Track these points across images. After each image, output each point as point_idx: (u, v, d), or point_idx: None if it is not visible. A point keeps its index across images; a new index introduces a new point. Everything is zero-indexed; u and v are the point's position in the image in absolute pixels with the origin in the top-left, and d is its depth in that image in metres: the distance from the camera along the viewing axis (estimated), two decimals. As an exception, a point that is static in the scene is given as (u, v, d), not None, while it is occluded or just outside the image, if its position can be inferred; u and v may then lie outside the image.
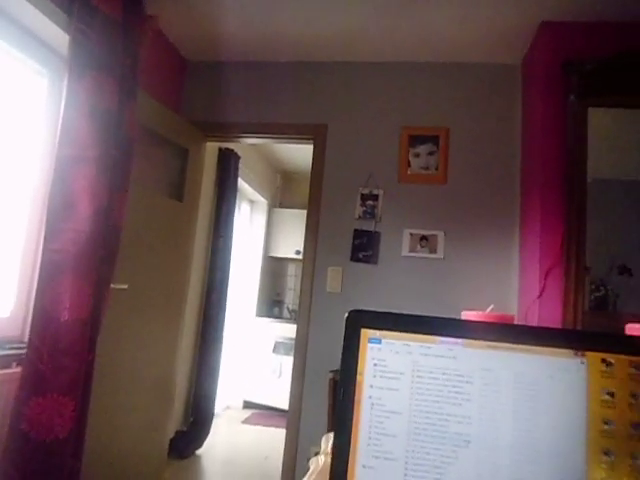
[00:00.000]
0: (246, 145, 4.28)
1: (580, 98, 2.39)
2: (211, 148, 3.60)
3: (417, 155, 2.95)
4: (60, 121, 1.88)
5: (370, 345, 0.58)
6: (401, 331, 0.58)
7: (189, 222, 3.12)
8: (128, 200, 2.19)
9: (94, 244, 1.92)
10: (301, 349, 2.93)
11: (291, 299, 5.74)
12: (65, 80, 1.91)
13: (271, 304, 5.65)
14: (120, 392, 2.45)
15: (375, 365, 0.58)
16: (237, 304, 4.93)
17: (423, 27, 2.68)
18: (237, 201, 4.31)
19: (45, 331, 1.78)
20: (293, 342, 3.07)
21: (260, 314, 5.31)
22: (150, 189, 2.71)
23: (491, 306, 1.07)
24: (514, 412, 0.55)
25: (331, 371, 2.59)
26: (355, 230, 2.94)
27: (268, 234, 5.54)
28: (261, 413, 4.81)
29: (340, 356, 0.59)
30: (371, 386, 0.57)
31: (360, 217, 2.96)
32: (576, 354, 0.55)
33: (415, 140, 2.96)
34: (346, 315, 0.59)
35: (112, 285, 2.15)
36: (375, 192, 2.96)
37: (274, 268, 5.77)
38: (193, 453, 3.53)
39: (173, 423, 3.33)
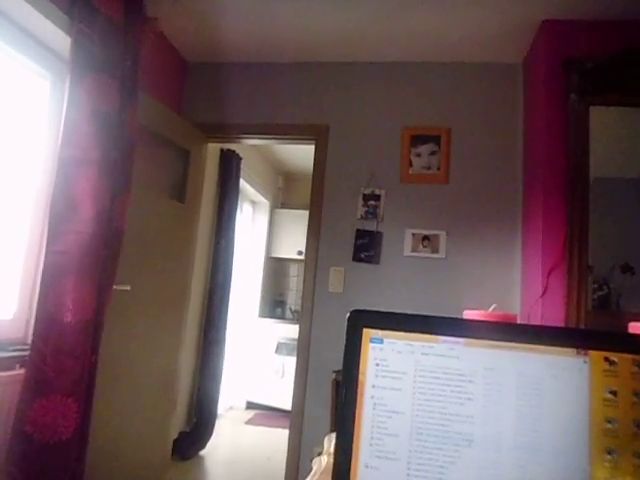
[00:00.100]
0: (248, 146, 4.28)
1: (581, 96, 2.38)
2: (213, 149, 3.61)
3: (419, 155, 2.95)
4: (62, 123, 1.89)
5: (372, 345, 0.58)
6: (403, 331, 0.58)
7: (191, 223, 3.13)
8: (130, 201, 2.20)
9: (97, 245, 1.93)
10: (304, 350, 2.93)
11: (293, 300, 5.74)
12: (67, 82, 1.91)
13: (273, 305, 5.65)
14: (123, 393, 2.45)
15: (377, 365, 0.58)
16: (239, 305, 4.93)
17: (424, 27, 2.68)
18: (239, 202, 4.32)
19: (48, 333, 1.79)
20: (296, 343, 3.07)
21: (262, 315, 5.31)
22: (152, 190, 2.71)
23: (493, 305, 1.07)
24: (517, 411, 0.55)
25: (334, 371, 2.60)
26: (357, 230, 2.94)
27: (270, 235, 5.55)
28: (264, 414, 4.81)
29: (343, 356, 0.59)
30: (373, 386, 0.57)
31: (362, 217, 2.96)
32: (579, 353, 0.55)
33: (417, 140, 2.96)
34: (348, 315, 0.59)
35: (114, 286, 2.15)
36: (377, 192, 2.96)
37: (276, 269, 5.78)
38: (196, 454, 3.53)
39: (176, 424, 3.33)
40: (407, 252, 2.87)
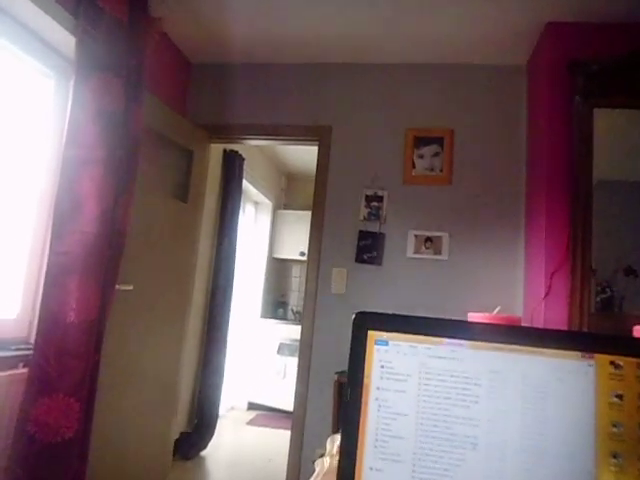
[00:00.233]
0: (251, 147, 4.28)
1: (586, 99, 2.38)
2: (216, 150, 3.61)
3: (422, 156, 2.95)
4: (67, 122, 1.89)
5: (377, 347, 0.58)
6: (408, 333, 0.58)
7: (194, 223, 3.13)
8: (134, 201, 2.20)
9: (100, 245, 1.93)
10: (306, 350, 2.93)
11: (295, 300, 5.74)
12: (71, 81, 1.92)
13: (275, 305, 5.66)
14: (125, 393, 2.45)
15: (382, 367, 0.57)
16: (241, 305, 4.94)
17: (428, 28, 2.68)
18: (242, 202, 4.32)
19: (51, 332, 1.79)
20: (297, 343, 3.07)
21: (264, 315, 5.31)
22: (155, 190, 2.72)
23: (498, 308, 1.06)
24: (522, 414, 0.55)
25: (336, 373, 2.60)
26: (360, 231, 2.94)
27: (272, 235, 5.55)
28: (266, 414, 4.81)
29: (345, 357, 0.59)
30: (378, 388, 0.57)
31: (365, 218, 2.96)
32: (584, 356, 0.55)
33: (420, 141, 2.96)
34: (353, 317, 0.59)
35: (117, 286, 2.15)
36: (380, 193, 2.96)
37: (278, 269, 5.78)
38: (197, 454, 3.53)
39: (177, 424, 3.33)
40: (410, 253, 2.87)
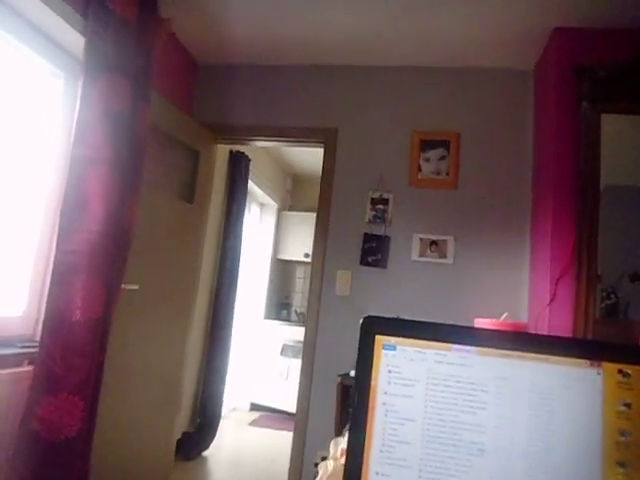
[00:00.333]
0: (257, 148, 4.29)
1: (593, 104, 2.37)
2: (222, 150, 3.62)
3: (428, 160, 2.95)
4: (75, 122, 1.90)
5: (385, 352, 0.58)
6: (416, 338, 0.58)
7: (199, 224, 3.14)
8: (140, 201, 2.21)
9: (107, 245, 1.94)
10: (309, 352, 2.93)
11: (299, 302, 5.74)
12: (80, 81, 1.93)
13: (279, 307, 5.66)
14: (129, 392, 2.46)
15: (389, 372, 0.58)
16: (245, 306, 4.94)
17: (435, 31, 2.68)
18: (247, 203, 4.33)
19: (57, 330, 1.80)
20: (301, 345, 3.07)
21: (268, 316, 5.32)
22: (161, 190, 2.73)
23: (505, 314, 1.06)
24: (529, 421, 0.55)
25: (339, 375, 2.59)
26: (365, 234, 2.94)
27: (277, 237, 5.56)
28: (268, 415, 4.81)
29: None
30: (385, 393, 0.57)
31: (370, 221, 2.96)
32: (592, 364, 0.55)
33: (426, 145, 2.96)
34: (361, 321, 0.60)
35: (123, 285, 2.16)
36: (385, 196, 2.96)
37: (283, 271, 5.78)
38: (199, 455, 3.54)
39: (180, 424, 3.33)
40: (415, 257, 2.87)
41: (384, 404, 0.57)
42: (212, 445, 3.67)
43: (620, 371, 0.54)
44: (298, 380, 2.96)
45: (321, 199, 3.07)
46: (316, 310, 2.95)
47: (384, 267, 2.90)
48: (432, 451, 0.55)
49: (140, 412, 2.58)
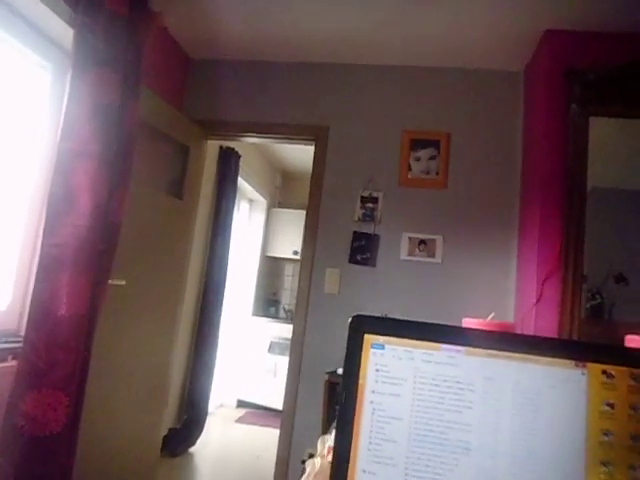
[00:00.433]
0: (247, 144, 4.28)
1: (582, 107, 2.40)
2: (212, 146, 3.60)
3: (418, 159, 2.96)
4: (62, 115, 1.88)
5: (373, 350, 0.58)
6: (404, 337, 0.58)
7: (188, 220, 3.12)
8: (128, 196, 2.19)
9: (93, 239, 1.92)
10: (297, 350, 2.93)
11: (288, 299, 5.74)
12: (68, 74, 1.90)
13: (267, 304, 5.65)
14: (114, 388, 2.44)
15: (377, 370, 0.58)
16: (233, 303, 4.93)
17: (426, 31, 2.69)
18: (236, 200, 4.31)
19: (42, 325, 1.78)
20: (289, 342, 3.07)
21: (256, 313, 5.31)
22: (150, 186, 2.71)
23: (492, 314, 1.07)
24: (514, 421, 0.55)
25: (327, 372, 2.60)
26: (354, 232, 2.95)
27: (266, 234, 5.55)
28: (255, 412, 4.81)
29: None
30: (373, 391, 0.57)
31: (359, 219, 2.96)
32: (577, 365, 0.56)
33: (416, 144, 2.97)
34: (349, 320, 0.60)
35: (110, 281, 2.14)
36: (375, 195, 2.96)
37: (271, 268, 5.78)
38: (186, 451, 3.53)
39: (166, 420, 3.32)
40: (403, 256, 2.88)
41: (371, 402, 0.57)
42: (198, 441, 3.66)
43: (604, 372, 0.55)
44: (285, 377, 2.96)
45: (311, 197, 3.06)
46: (304, 308, 2.95)
47: (373, 266, 2.91)
48: (418, 449, 0.55)
49: (126, 408, 2.56)
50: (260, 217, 5.49)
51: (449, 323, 0.63)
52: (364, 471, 0.55)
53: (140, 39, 2.19)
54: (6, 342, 1.90)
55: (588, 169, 2.38)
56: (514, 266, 2.77)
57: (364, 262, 2.91)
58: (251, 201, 5.43)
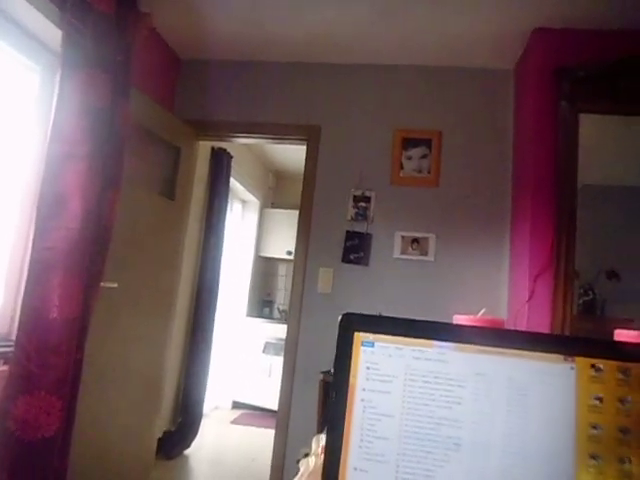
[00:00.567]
0: (239, 145, 4.27)
1: (572, 104, 2.41)
2: (203, 147, 3.59)
3: (410, 158, 2.97)
4: (52, 117, 1.87)
5: (363, 348, 0.58)
6: (394, 335, 0.58)
7: (180, 221, 3.11)
8: (119, 198, 2.18)
9: (85, 242, 1.91)
10: (291, 350, 2.93)
11: (282, 299, 5.73)
12: (57, 76, 1.89)
13: (261, 304, 5.64)
14: (108, 391, 2.43)
15: (368, 368, 0.58)
16: (227, 304, 4.91)
17: (417, 31, 2.69)
18: (229, 200, 4.30)
19: (33, 329, 1.77)
20: (283, 342, 3.07)
21: (250, 314, 5.30)
22: (142, 187, 2.69)
23: (482, 310, 1.08)
24: (504, 416, 0.55)
25: (322, 372, 2.60)
26: (347, 231, 2.95)
27: (259, 234, 5.54)
28: (250, 413, 4.80)
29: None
30: (363, 389, 0.57)
31: (352, 219, 2.96)
32: (566, 359, 0.56)
33: (408, 143, 2.98)
34: (340, 318, 0.60)
35: (102, 283, 2.13)
36: (367, 194, 2.97)
37: (265, 268, 5.77)
38: (181, 453, 3.51)
39: (161, 423, 3.31)
40: (396, 254, 2.89)
41: (362, 400, 0.57)
42: (193, 444, 3.65)
43: (593, 366, 0.55)
44: (280, 377, 2.96)
45: (303, 196, 3.06)
46: (298, 308, 2.95)
47: (366, 265, 2.91)
48: (409, 446, 0.55)
49: (120, 411, 2.54)
50: (253, 217, 5.48)
51: (442, 321, 0.64)
52: (355, 469, 0.55)
53: (129, 39, 2.19)
54: (-3, 346, 1.88)
55: (578, 166, 2.40)
56: (506, 263, 2.78)
57: (357, 261, 2.91)
58: (244, 202, 5.42)
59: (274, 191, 5.90)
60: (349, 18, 2.63)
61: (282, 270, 5.81)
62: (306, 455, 1.22)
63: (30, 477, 1.74)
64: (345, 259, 2.93)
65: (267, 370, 4.89)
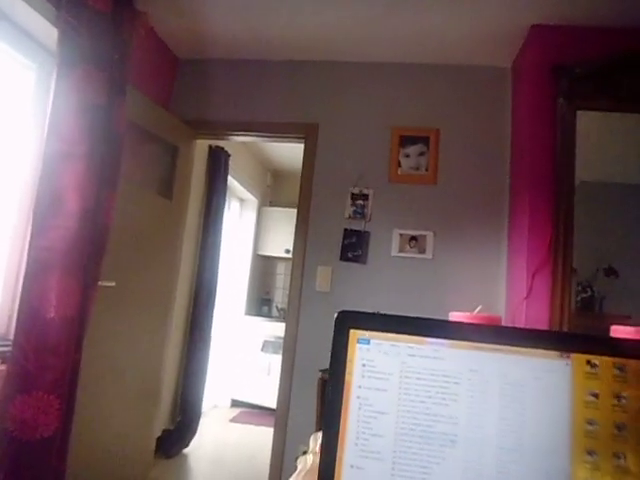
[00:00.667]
0: (236, 143, 4.26)
1: (569, 101, 2.41)
2: (201, 146, 3.59)
3: (407, 155, 2.96)
4: (48, 116, 1.86)
5: (359, 346, 0.58)
6: (390, 332, 0.58)
7: (178, 220, 3.11)
8: (117, 197, 2.18)
9: (82, 241, 1.91)
10: (290, 348, 2.93)
11: (280, 298, 5.73)
12: (53, 74, 1.88)
13: (260, 303, 5.64)
14: (106, 391, 2.43)
15: (363, 365, 0.58)
16: (226, 302, 4.91)
17: (415, 28, 2.69)
18: (227, 199, 4.30)
19: (31, 329, 1.76)
20: (282, 341, 3.07)
21: (249, 313, 5.30)
22: (139, 186, 2.69)
23: (479, 307, 1.08)
24: (500, 412, 0.55)
25: (320, 370, 2.60)
26: (345, 229, 2.95)
27: (258, 232, 5.53)
28: (249, 412, 4.80)
29: (329, 355, 0.59)
30: (359, 386, 0.57)
31: (350, 217, 2.96)
32: (562, 356, 0.56)
33: (406, 140, 2.97)
34: (335, 315, 0.60)
35: (99, 282, 2.13)
36: (365, 192, 2.96)
37: (263, 267, 5.77)
38: (180, 452, 3.52)
39: (160, 422, 3.31)
40: (394, 252, 2.88)
41: (358, 397, 0.57)
42: (192, 442, 3.65)
43: (588, 362, 0.55)
44: (279, 376, 2.96)
45: (301, 195, 3.06)
46: (297, 306, 2.95)
47: (364, 263, 2.91)
48: (405, 443, 0.55)
49: (119, 410, 2.54)
50: (251, 216, 5.47)
51: (439, 318, 0.64)
52: (351, 466, 0.55)
53: (125, 38, 2.18)
54: (-5, 346, 1.88)
55: (576, 163, 2.40)
56: (504, 260, 2.78)
57: (355, 259, 2.91)
58: (242, 200, 5.42)
59: (272, 189, 5.90)
60: (347, 17, 2.63)
61: (280, 268, 5.81)
62: (304, 453, 1.22)
63: (29, 477, 1.74)
64: (343, 257, 2.92)
65: (266, 368, 4.89)
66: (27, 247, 1.85)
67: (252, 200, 5.42)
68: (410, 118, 3.01)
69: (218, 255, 4.04)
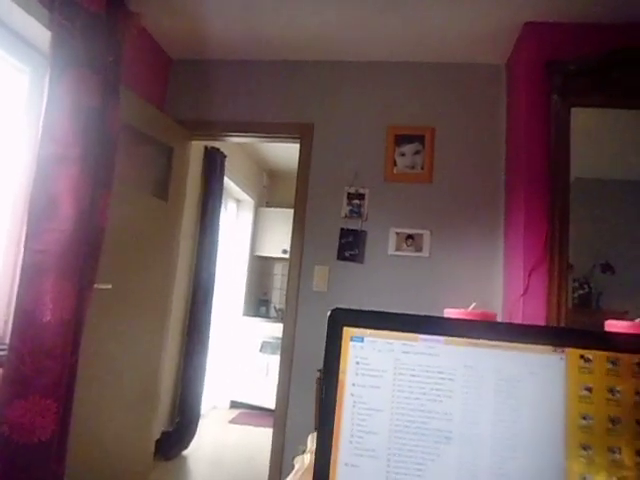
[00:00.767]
0: (232, 144, 4.26)
1: (564, 98, 2.42)
2: (197, 147, 3.58)
3: (403, 154, 2.96)
4: (42, 119, 1.85)
5: (352, 343, 0.58)
6: (383, 329, 0.58)
7: (174, 221, 3.10)
8: (111, 199, 2.17)
9: (77, 244, 1.90)
10: (288, 348, 2.92)
11: (278, 298, 5.73)
12: (47, 77, 1.88)
13: (258, 303, 5.64)
14: (104, 393, 2.42)
15: (357, 363, 0.58)
16: (223, 304, 4.91)
17: (409, 27, 2.69)
18: (223, 200, 4.29)
19: (27, 332, 1.76)
20: (280, 341, 3.06)
21: (247, 313, 5.29)
22: (134, 188, 2.68)
23: (473, 304, 1.08)
24: (495, 408, 0.55)
25: (318, 370, 2.59)
26: (341, 229, 2.95)
27: (254, 233, 5.53)
28: (248, 413, 4.80)
29: (323, 354, 0.59)
30: (353, 384, 0.57)
31: (346, 216, 2.96)
32: (556, 350, 0.56)
33: (401, 139, 2.97)
34: (328, 313, 0.59)
35: (95, 285, 2.12)
36: (361, 191, 2.96)
37: (261, 267, 5.76)
38: (179, 454, 3.51)
39: (159, 424, 3.30)
40: (391, 251, 2.88)
41: (352, 395, 0.57)
42: (192, 444, 3.64)
43: (582, 356, 0.55)
44: (277, 376, 2.95)
45: (297, 195, 3.06)
46: (294, 306, 2.95)
47: (361, 262, 2.91)
48: (400, 440, 0.55)
49: (117, 412, 2.54)
50: (248, 217, 5.47)
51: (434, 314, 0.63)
52: (346, 464, 0.55)
53: (119, 39, 2.17)
54: (-9, 350, 1.87)
55: (571, 160, 2.40)
56: (501, 258, 2.78)
57: (352, 258, 2.91)
58: (238, 201, 5.41)
59: (268, 190, 5.89)
60: (342, 16, 2.63)
61: (278, 269, 5.80)
62: (302, 452, 1.21)
63: (26, 481, 1.74)
64: (340, 257, 2.92)
65: (264, 369, 4.89)
66: (22, 250, 1.84)
67: (248, 201, 5.41)
68: (405, 117, 3.01)
69: (215, 256, 4.04)
